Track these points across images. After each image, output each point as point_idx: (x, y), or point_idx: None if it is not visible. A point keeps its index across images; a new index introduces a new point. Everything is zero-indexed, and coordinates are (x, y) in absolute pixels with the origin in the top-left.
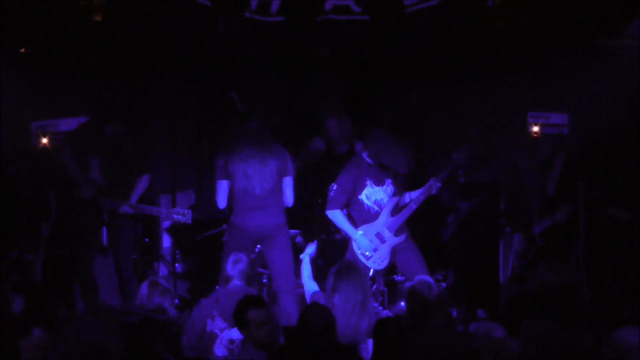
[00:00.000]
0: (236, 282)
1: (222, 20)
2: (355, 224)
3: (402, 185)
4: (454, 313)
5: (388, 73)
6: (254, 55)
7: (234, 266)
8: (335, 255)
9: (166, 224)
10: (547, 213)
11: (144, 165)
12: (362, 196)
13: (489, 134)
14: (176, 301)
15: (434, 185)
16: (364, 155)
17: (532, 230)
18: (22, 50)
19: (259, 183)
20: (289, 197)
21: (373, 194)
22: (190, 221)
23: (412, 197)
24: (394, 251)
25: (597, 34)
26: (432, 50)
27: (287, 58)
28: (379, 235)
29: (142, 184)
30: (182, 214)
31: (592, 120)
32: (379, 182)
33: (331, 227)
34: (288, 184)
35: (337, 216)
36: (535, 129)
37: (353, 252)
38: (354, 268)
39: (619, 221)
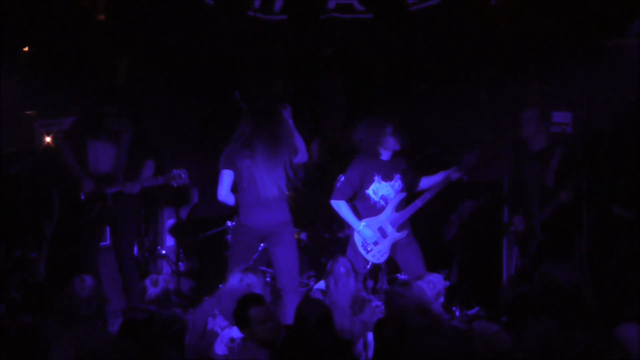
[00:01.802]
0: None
1: (224, 19)
2: (360, 218)
3: (413, 181)
4: (457, 312)
5: (391, 72)
6: (256, 54)
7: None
8: (338, 254)
9: (170, 222)
10: (546, 203)
11: (147, 151)
12: (369, 191)
13: (492, 133)
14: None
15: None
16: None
17: (533, 223)
18: (26, 49)
19: (264, 179)
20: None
21: (380, 189)
22: (187, 180)
23: (429, 183)
24: (394, 246)
25: (600, 33)
26: (435, 49)
27: (290, 57)
28: (381, 230)
29: (147, 169)
30: (178, 176)
31: (595, 119)
32: (387, 178)
33: (334, 225)
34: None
35: (340, 206)
36: None
37: (354, 245)
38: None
39: (622, 220)
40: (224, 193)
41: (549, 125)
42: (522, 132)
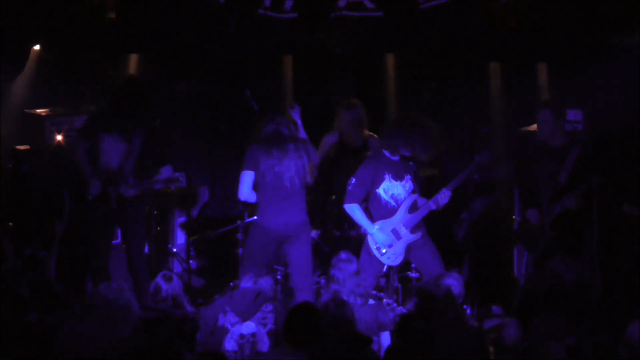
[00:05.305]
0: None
1: (235, 17)
2: (372, 218)
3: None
4: (468, 310)
5: (401, 70)
6: (267, 52)
7: None
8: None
9: (180, 220)
10: (557, 201)
11: (160, 157)
12: (380, 190)
13: (502, 131)
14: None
15: (445, 193)
16: (384, 149)
17: (543, 219)
18: (37, 47)
19: (284, 181)
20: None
21: (390, 188)
22: (184, 183)
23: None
24: (409, 248)
25: (611, 31)
26: (445, 47)
27: (301, 55)
28: (395, 232)
29: (162, 176)
30: (177, 179)
31: (606, 117)
32: (397, 177)
33: (345, 224)
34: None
35: (354, 210)
36: None
37: (368, 247)
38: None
39: (632, 218)
40: (246, 192)
41: (564, 123)
42: (538, 133)
